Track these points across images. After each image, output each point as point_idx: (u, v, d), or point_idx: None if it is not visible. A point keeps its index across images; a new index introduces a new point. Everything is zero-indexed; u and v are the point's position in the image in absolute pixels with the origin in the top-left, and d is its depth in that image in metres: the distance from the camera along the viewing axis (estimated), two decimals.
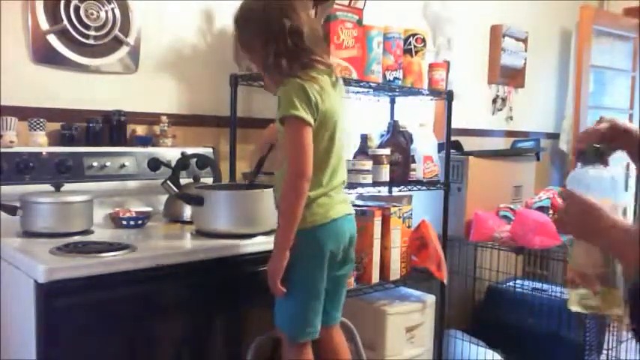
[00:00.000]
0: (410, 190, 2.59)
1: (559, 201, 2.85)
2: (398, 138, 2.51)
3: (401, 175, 2.47)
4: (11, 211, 1.74)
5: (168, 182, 1.91)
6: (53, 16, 2.00)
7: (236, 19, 1.69)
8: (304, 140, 1.55)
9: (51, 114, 2.01)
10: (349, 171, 2.25)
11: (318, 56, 1.63)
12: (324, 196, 1.64)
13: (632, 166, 2.67)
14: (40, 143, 1.93)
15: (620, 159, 1.17)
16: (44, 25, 1.99)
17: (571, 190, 0.98)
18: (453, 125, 2.73)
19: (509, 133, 3.72)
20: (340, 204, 1.68)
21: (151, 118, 2.24)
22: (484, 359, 2.66)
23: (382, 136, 2.59)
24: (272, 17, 1.60)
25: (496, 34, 3.49)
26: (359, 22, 2.25)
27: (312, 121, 1.55)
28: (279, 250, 1.59)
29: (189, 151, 2.19)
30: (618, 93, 4.31)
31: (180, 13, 2.30)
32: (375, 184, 2.37)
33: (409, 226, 2.46)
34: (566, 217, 0.94)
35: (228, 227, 1.78)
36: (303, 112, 1.53)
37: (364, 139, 2.49)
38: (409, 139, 2.57)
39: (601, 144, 1.07)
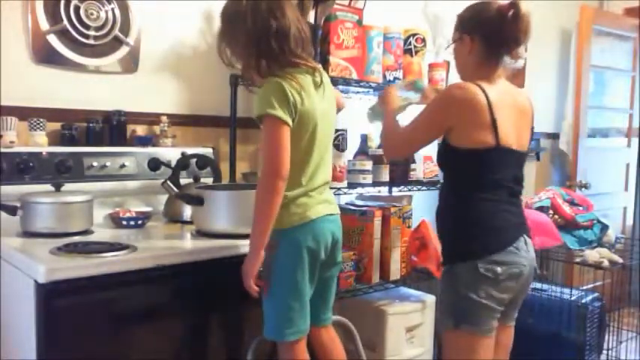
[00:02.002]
0: (410, 190, 2.59)
1: (558, 201, 2.85)
2: None
3: (401, 175, 2.47)
4: (11, 211, 1.74)
5: (168, 182, 1.91)
6: (53, 16, 2.01)
7: (223, 13, 1.67)
8: (281, 139, 1.53)
9: (51, 114, 2.01)
10: (349, 171, 2.26)
11: (301, 59, 1.61)
12: (304, 196, 1.62)
13: None
14: (40, 143, 1.93)
15: None
16: (44, 25, 1.99)
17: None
18: None
19: None
20: (321, 204, 1.66)
21: (151, 118, 2.24)
22: None
23: None
24: (259, 17, 1.58)
25: None
26: (359, 22, 2.25)
27: (289, 120, 1.54)
28: (252, 250, 1.58)
29: (189, 151, 2.19)
30: (618, 93, 4.30)
31: (181, 14, 2.30)
32: (375, 184, 2.37)
33: (409, 226, 2.46)
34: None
35: (228, 227, 1.78)
36: (280, 112, 1.52)
37: (364, 139, 2.48)
38: None
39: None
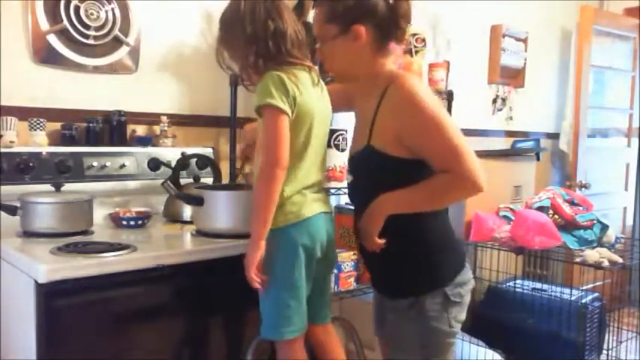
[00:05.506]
0: None
1: (558, 201, 2.85)
2: None
3: None
4: (11, 211, 1.74)
5: (168, 182, 1.91)
6: (53, 16, 2.01)
7: (222, 18, 1.69)
8: (280, 129, 1.53)
9: (51, 114, 2.01)
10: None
11: (297, 59, 1.63)
12: (298, 194, 1.62)
13: None
14: (40, 143, 1.93)
15: None
16: (44, 25, 1.99)
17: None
18: None
19: (509, 133, 3.73)
20: (315, 202, 1.66)
21: (151, 118, 2.24)
22: (484, 359, 2.66)
23: None
24: (257, 18, 1.60)
25: (496, 34, 3.49)
26: None
27: (289, 111, 1.54)
28: (253, 241, 1.57)
29: (189, 151, 2.19)
30: (618, 93, 4.31)
31: (181, 14, 2.30)
32: None
33: None
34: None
35: (228, 227, 1.78)
36: (279, 102, 1.52)
37: None
38: None
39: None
